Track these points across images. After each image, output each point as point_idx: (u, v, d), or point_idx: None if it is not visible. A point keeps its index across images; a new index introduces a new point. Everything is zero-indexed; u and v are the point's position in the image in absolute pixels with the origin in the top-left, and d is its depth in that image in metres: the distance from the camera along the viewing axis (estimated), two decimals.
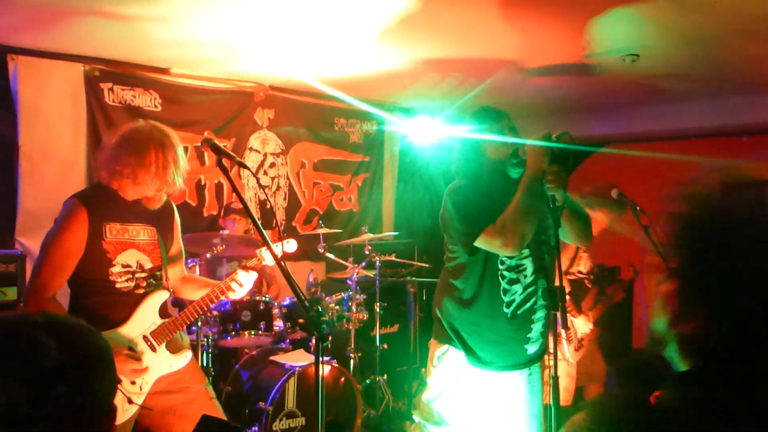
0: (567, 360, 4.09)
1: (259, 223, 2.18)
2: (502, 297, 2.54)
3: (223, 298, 2.70)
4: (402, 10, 3.31)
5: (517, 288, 2.55)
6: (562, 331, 4.04)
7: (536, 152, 2.44)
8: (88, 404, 1.14)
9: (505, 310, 2.55)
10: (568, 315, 3.95)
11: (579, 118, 6.38)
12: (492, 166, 2.60)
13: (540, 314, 2.61)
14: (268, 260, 2.70)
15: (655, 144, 6.44)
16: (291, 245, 2.74)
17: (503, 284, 2.54)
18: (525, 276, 2.56)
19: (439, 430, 2.62)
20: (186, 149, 4.89)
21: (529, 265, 2.56)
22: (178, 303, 3.38)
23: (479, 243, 2.45)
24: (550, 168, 2.43)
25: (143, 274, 2.61)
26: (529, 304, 2.57)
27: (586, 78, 4.78)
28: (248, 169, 2.28)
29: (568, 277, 4.10)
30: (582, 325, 4.06)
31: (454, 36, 3.79)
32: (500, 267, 2.54)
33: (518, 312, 2.56)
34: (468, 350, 2.58)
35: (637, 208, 4.08)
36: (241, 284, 2.69)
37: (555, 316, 2.44)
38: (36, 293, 2.43)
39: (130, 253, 2.57)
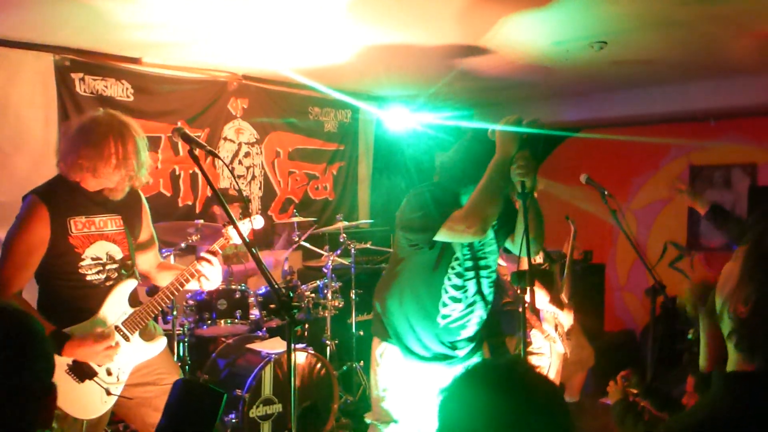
0: (566, 355, 4.18)
1: (224, 201, 2.21)
2: (440, 308, 2.62)
3: (193, 282, 2.65)
4: None
5: (457, 306, 2.63)
6: (553, 331, 4.14)
7: (506, 137, 2.45)
8: (25, 381, 1.19)
9: (439, 320, 2.63)
10: (553, 309, 4.07)
11: (550, 104, 6.47)
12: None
13: (470, 328, 2.70)
14: (235, 238, 2.69)
15: (625, 129, 6.55)
16: (257, 221, 2.69)
17: (443, 298, 2.61)
18: (467, 297, 2.64)
19: (389, 428, 2.68)
20: (159, 140, 4.90)
21: (471, 287, 2.64)
22: (154, 291, 3.38)
23: (443, 232, 2.46)
24: (521, 154, 2.44)
25: (114, 265, 2.60)
26: (462, 321, 2.66)
27: (555, 65, 4.85)
28: (218, 157, 2.30)
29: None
30: (566, 318, 4.14)
31: (422, 20, 3.81)
32: (445, 282, 2.60)
33: (449, 325, 2.65)
34: (403, 345, 2.65)
35: (606, 192, 4.17)
36: (211, 262, 2.63)
37: (525, 305, 2.51)
38: (0, 292, 2.39)
39: (99, 246, 2.55)
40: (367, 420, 2.82)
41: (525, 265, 2.44)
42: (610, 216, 4.18)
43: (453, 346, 2.68)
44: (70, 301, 2.52)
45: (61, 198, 2.49)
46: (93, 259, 2.54)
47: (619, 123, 6.48)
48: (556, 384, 4.15)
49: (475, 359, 2.76)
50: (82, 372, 2.44)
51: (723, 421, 1.18)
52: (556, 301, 4.17)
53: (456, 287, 2.61)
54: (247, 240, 2.21)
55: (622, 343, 6.03)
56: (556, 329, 4.19)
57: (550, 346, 4.16)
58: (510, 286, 4.18)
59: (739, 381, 1.23)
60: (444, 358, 2.67)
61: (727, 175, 6.20)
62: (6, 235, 2.47)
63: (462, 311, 2.64)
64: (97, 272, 2.55)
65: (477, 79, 5.30)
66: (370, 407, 2.85)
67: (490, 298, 2.73)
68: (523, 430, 1.11)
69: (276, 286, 1.93)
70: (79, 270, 2.51)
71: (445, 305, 2.61)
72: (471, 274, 2.63)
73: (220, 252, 2.74)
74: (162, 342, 2.74)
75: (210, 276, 2.67)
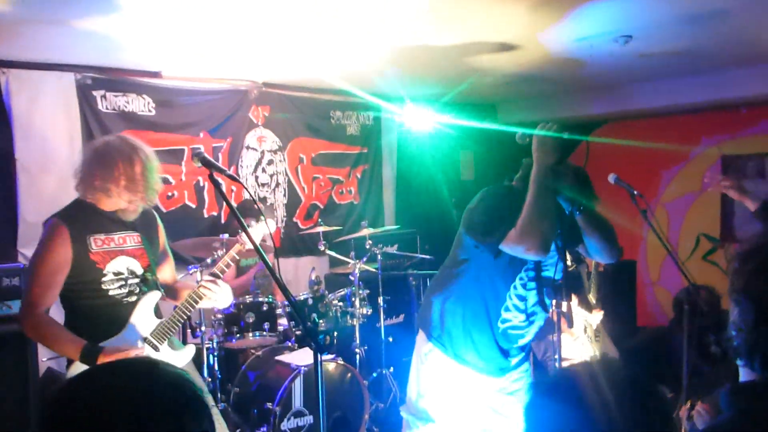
0: (596, 357, 4.11)
1: (235, 208, 2.24)
2: (502, 312, 2.56)
3: (206, 302, 2.71)
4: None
5: (519, 315, 2.57)
6: (582, 334, 4.08)
7: (544, 147, 2.33)
8: None
9: (499, 324, 2.57)
10: (582, 311, 4.00)
11: (574, 98, 6.36)
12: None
13: (526, 337, 2.65)
14: (248, 243, 2.71)
15: (653, 120, 6.40)
16: (269, 225, 2.77)
17: (507, 303, 2.55)
18: (528, 306, 2.58)
19: (425, 427, 2.64)
20: (182, 152, 4.92)
21: (532, 298, 2.57)
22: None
23: (505, 247, 2.38)
24: (570, 170, 2.36)
25: (135, 280, 2.67)
26: (522, 330, 2.61)
27: (579, 60, 4.75)
28: (238, 180, 2.30)
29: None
30: (594, 319, 4.07)
31: (448, 22, 3.74)
32: (511, 290, 2.53)
33: (509, 331, 2.59)
34: (453, 350, 2.60)
35: (635, 192, 4.07)
36: (211, 290, 2.67)
37: (558, 313, 2.47)
38: (27, 312, 2.51)
39: (119, 261, 2.63)
40: (402, 413, 2.79)
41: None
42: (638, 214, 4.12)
43: (507, 353, 2.62)
44: (97, 317, 2.59)
45: (79, 218, 2.59)
46: (115, 274, 2.61)
47: (647, 115, 6.34)
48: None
49: (523, 369, 2.72)
50: None
51: None
52: (584, 303, 4.10)
53: (519, 297, 2.56)
54: (261, 250, 2.21)
55: (655, 339, 5.91)
56: (585, 332, 4.13)
57: (579, 349, 4.09)
58: None
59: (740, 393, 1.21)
60: (493, 367, 2.61)
61: (760, 165, 6.03)
62: (30, 259, 2.59)
63: (523, 321, 2.59)
64: (120, 287, 2.62)
65: (500, 76, 5.22)
66: (400, 414, 2.82)
67: (550, 308, 2.64)
68: None
69: (299, 311, 1.91)
70: (102, 286, 2.58)
71: (508, 310, 2.56)
72: (533, 284, 2.56)
73: (232, 264, 2.78)
74: (190, 351, 2.80)
75: (218, 298, 2.73)
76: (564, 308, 2.56)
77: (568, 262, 4.08)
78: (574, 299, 4.06)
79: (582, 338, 4.09)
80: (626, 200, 4.26)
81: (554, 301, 2.77)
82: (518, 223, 2.34)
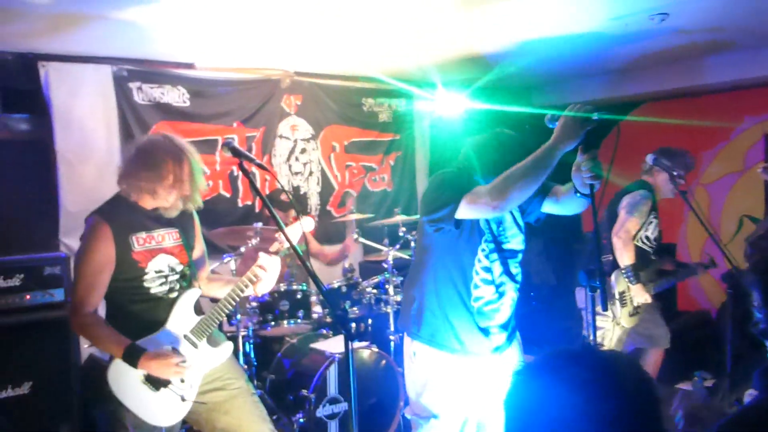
0: (619, 324, 4.04)
1: (271, 206, 2.27)
2: (472, 290, 2.57)
3: (251, 289, 2.70)
4: None
5: (488, 289, 2.60)
6: (616, 294, 4.00)
7: (570, 126, 2.24)
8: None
9: (473, 303, 2.59)
10: (625, 281, 3.93)
11: (608, 78, 6.21)
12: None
13: (504, 312, 2.65)
14: (293, 238, 2.70)
15: (691, 100, 6.22)
16: (307, 224, 2.72)
17: (475, 280, 2.57)
18: (495, 277, 2.61)
19: (429, 423, 2.64)
20: (216, 142, 4.97)
21: (497, 268, 2.61)
22: (214, 299, 3.45)
23: (463, 205, 2.38)
24: (591, 155, 2.28)
25: (176, 277, 2.67)
26: (496, 304, 2.62)
27: (614, 40, 4.64)
28: (267, 170, 2.32)
29: (635, 242, 4.03)
30: (638, 293, 3.99)
31: (480, 4, 3.69)
32: (476, 264, 2.56)
33: (483, 308, 2.60)
34: (436, 341, 2.60)
35: (674, 173, 3.98)
36: (265, 269, 2.67)
37: (593, 296, 2.44)
38: (76, 311, 2.52)
39: (160, 259, 2.63)
40: (407, 415, 2.81)
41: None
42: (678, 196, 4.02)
43: (487, 332, 2.61)
44: (138, 314, 2.60)
45: (121, 216, 2.57)
46: (156, 272, 2.62)
47: (686, 94, 6.16)
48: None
49: (510, 351, 2.71)
50: (157, 381, 2.53)
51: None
52: (635, 275, 4.00)
53: (485, 269, 2.58)
54: (296, 247, 2.24)
55: (697, 323, 5.78)
56: (618, 304, 4.04)
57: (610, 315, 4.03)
58: None
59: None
60: (479, 348, 2.61)
61: None
62: (75, 259, 2.59)
63: (494, 293, 2.61)
64: (161, 284, 2.63)
65: (532, 58, 5.13)
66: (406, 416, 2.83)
67: (519, 278, 2.69)
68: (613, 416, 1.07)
69: (329, 298, 1.92)
70: (144, 284, 2.59)
71: (477, 287, 2.58)
72: (495, 255, 2.59)
73: (277, 256, 2.75)
74: (228, 347, 2.79)
75: (266, 281, 2.71)
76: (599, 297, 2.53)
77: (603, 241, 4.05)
78: (613, 281, 4.01)
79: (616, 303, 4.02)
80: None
81: (588, 287, 2.74)
82: (496, 179, 2.33)
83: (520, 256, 2.71)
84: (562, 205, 2.61)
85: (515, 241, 2.68)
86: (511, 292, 2.67)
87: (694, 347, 5.22)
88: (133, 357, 2.44)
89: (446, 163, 6.38)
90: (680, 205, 5.56)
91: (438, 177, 2.62)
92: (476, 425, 2.72)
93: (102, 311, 2.65)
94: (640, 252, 4.07)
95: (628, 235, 3.96)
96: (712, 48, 5.21)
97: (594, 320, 2.61)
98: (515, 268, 2.68)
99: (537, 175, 2.28)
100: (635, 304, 4.05)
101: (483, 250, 2.57)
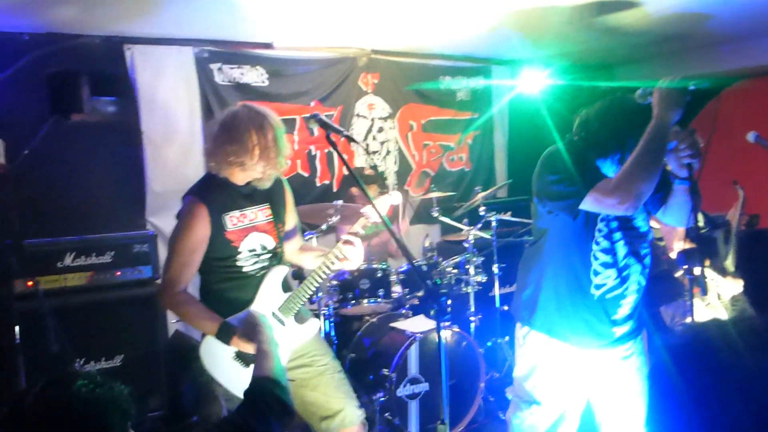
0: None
1: (361, 181, 2.23)
2: (592, 277, 2.37)
3: (338, 264, 2.67)
4: None
5: (610, 273, 2.38)
6: (715, 300, 3.79)
7: (666, 101, 2.11)
8: None
9: (593, 291, 2.39)
10: (716, 276, 3.71)
11: (702, 54, 5.84)
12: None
13: (630, 298, 2.43)
14: (374, 217, 2.64)
15: None
16: (395, 197, 2.67)
17: (594, 265, 2.37)
18: (619, 260, 2.38)
19: (530, 409, 2.53)
20: (294, 121, 4.99)
21: (621, 249, 2.38)
22: (298, 275, 3.45)
23: (588, 202, 2.23)
24: (688, 132, 2.14)
25: (267, 255, 2.66)
26: (620, 290, 2.40)
27: (705, 14, 4.35)
28: (355, 141, 2.26)
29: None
30: (729, 286, 3.75)
31: None
32: (594, 247, 2.36)
33: (606, 296, 2.39)
34: (551, 327, 2.45)
35: None
36: (354, 244, 2.64)
37: (693, 280, 2.29)
38: (167, 289, 2.53)
39: (252, 237, 2.62)
40: (508, 395, 2.71)
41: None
42: None
43: (611, 322, 2.42)
44: (228, 291, 2.61)
45: (215, 196, 2.57)
46: (249, 251, 2.62)
47: None
48: None
49: (633, 346, 2.50)
50: (247, 357, 2.53)
51: None
52: (718, 268, 3.79)
53: (605, 251, 2.37)
54: (388, 221, 2.18)
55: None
56: (718, 298, 3.82)
57: (711, 315, 3.81)
58: (664, 251, 3.87)
59: None
60: (597, 340, 2.44)
61: None
62: (171, 237, 2.59)
63: (616, 278, 2.38)
64: (253, 263, 2.63)
65: (619, 35, 4.89)
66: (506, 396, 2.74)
67: (647, 261, 2.45)
68: None
69: (421, 272, 1.85)
70: (237, 263, 2.60)
71: (597, 273, 2.37)
72: (619, 234, 2.37)
73: (362, 232, 2.71)
74: (315, 324, 2.78)
75: (353, 257, 2.68)
76: (696, 273, 2.37)
77: (700, 223, 3.82)
78: (706, 261, 3.77)
79: (715, 304, 3.79)
80: (764, 161, 3.90)
81: (685, 267, 2.57)
82: (617, 175, 2.18)
83: (649, 236, 2.46)
84: (669, 210, 2.44)
85: (641, 218, 2.46)
86: (636, 276, 2.43)
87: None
88: (226, 335, 2.47)
89: (526, 142, 6.25)
90: None
91: (553, 156, 2.38)
92: (596, 424, 2.58)
93: (192, 290, 2.68)
94: (705, 241, 3.80)
95: None
96: None
97: (692, 302, 2.45)
98: (643, 249, 2.44)
99: (656, 157, 2.15)
100: (731, 297, 3.82)
101: (600, 230, 2.36)
